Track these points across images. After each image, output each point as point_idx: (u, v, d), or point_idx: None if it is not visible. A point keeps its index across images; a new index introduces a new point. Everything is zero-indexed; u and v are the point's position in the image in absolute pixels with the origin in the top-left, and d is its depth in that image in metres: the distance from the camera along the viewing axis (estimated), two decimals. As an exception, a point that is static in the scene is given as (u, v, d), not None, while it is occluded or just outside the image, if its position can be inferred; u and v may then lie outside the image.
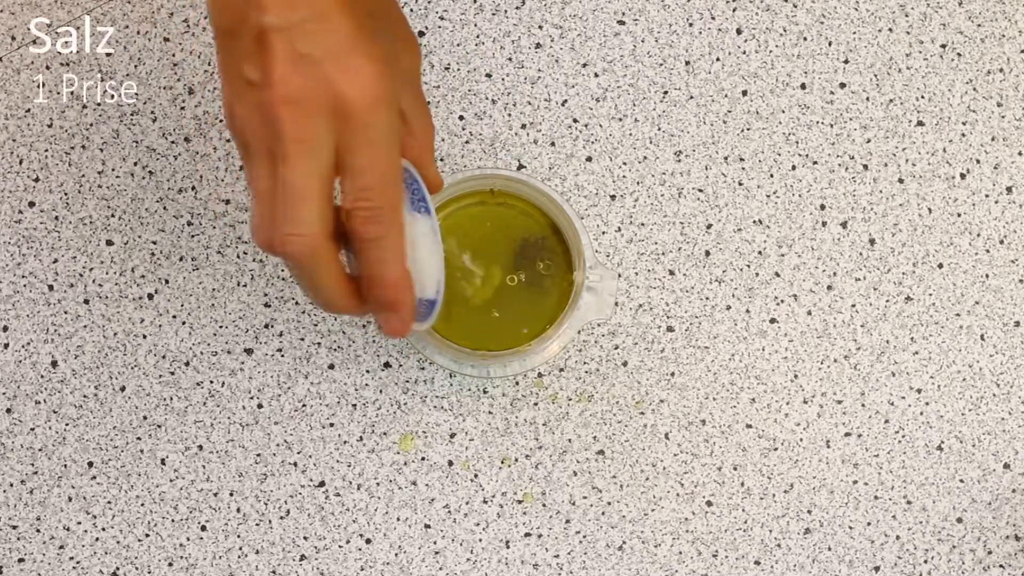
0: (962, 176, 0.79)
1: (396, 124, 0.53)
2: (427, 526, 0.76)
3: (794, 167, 0.78)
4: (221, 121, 0.78)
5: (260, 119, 0.52)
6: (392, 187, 0.54)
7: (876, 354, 0.77)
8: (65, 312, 0.77)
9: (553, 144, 0.78)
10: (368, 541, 0.76)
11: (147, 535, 0.76)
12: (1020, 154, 0.79)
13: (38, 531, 0.76)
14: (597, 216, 0.78)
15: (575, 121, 0.78)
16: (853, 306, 0.77)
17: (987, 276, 0.78)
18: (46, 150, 0.78)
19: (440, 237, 0.59)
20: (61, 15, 0.79)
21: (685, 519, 0.76)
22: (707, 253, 0.78)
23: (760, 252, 0.78)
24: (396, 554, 0.76)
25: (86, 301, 0.77)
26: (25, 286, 0.77)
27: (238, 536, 0.76)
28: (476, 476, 0.76)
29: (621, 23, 0.79)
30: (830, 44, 0.79)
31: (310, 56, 0.51)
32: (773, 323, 0.77)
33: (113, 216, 0.78)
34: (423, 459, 0.76)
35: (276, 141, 0.52)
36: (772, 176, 0.78)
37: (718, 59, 0.79)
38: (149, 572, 0.76)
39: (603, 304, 0.71)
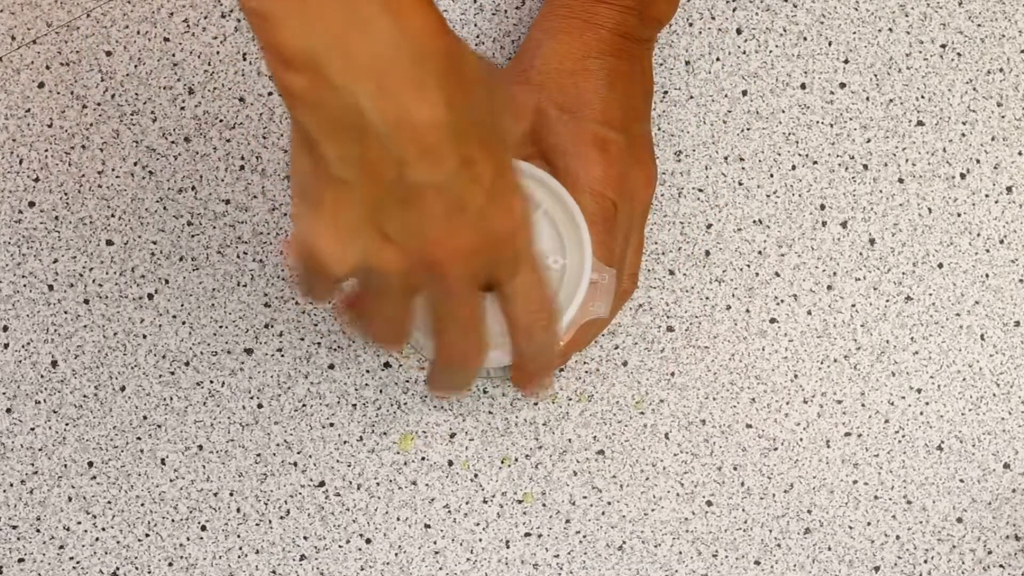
0: (962, 176, 0.79)
1: (533, 236, 0.57)
2: (427, 526, 0.76)
3: (794, 167, 0.78)
4: (221, 121, 0.78)
5: (420, 269, 0.53)
6: (545, 294, 0.59)
7: (876, 354, 0.77)
8: (65, 312, 0.77)
9: (553, 144, 0.78)
10: (368, 541, 0.76)
11: (147, 535, 0.76)
12: (1020, 154, 0.79)
13: (38, 531, 0.76)
14: (597, 216, 0.78)
15: (575, 121, 0.78)
16: (853, 306, 0.77)
17: (987, 276, 0.78)
18: (46, 150, 0.78)
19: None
20: (61, 15, 0.79)
21: (685, 519, 0.76)
22: (707, 253, 0.78)
23: (760, 252, 0.78)
24: (396, 554, 0.76)
25: (86, 301, 0.77)
26: (25, 286, 0.77)
27: (238, 536, 0.76)
28: (476, 476, 0.76)
29: (621, 23, 0.79)
30: (830, 44, 0.79)
31: (465, 209, 0.52)
32: (773, 323, 0.77)
33: (113, 216, 0.78)
34: (423, 459, 0.76)
35: (440, 283, 0.54)
36: (772, 176, 0.78)
37: (718, 59, 0.79)
38: (149, 572, 0.76)
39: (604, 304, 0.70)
